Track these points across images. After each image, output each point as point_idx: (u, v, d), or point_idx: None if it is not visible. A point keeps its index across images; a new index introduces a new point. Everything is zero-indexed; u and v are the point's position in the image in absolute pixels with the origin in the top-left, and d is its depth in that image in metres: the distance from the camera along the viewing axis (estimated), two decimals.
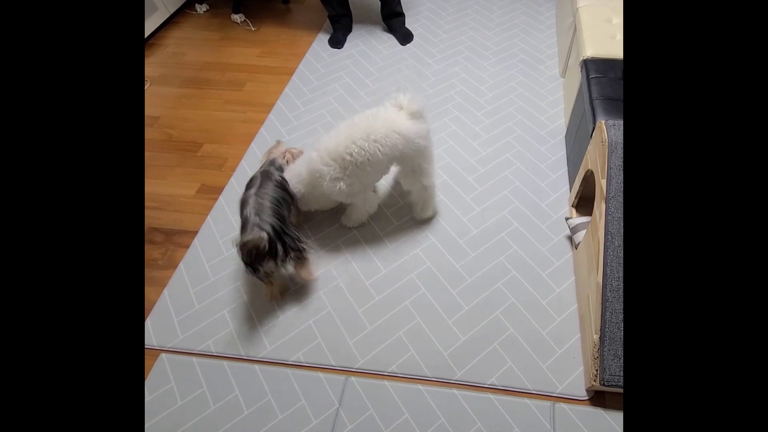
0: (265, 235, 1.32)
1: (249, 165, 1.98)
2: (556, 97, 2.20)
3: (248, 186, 1.49)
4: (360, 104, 2.23)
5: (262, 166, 1.58)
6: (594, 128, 1.44)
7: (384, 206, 1.80)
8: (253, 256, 1.32)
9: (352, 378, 1.37)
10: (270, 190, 1.46)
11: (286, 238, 1.38)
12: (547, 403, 1.29)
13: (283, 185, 1.53)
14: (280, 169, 1.58)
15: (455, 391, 1.33)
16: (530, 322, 1.46)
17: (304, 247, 1.45)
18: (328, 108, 2.22)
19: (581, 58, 1.71)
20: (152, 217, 1.83)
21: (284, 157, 1.62)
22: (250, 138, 2.11)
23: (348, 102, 2.25)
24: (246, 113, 2.24)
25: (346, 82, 2.36)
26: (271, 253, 1.35)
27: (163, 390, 1.36)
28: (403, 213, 1.78)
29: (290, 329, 1.48)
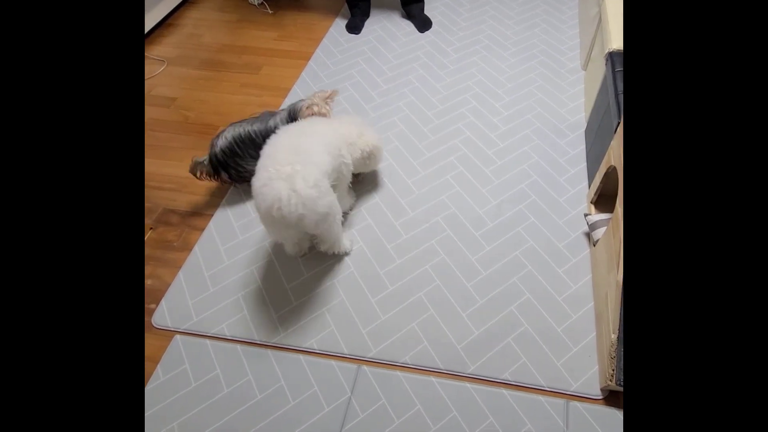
0: (206, 159, 1.69)
1: None
2: (576, 90, 2.16)
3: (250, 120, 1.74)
4: (377, 92, 2.20)
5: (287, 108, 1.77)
6: (619, 123, 1.41)
7: (397, 195, 1.79)
8: (198, 174, 1.72)
9: (365, 367, 1.37)
10: (251, 128, 1.70)
11: (231, 169, 1.70)
12: (560, 401, 1.28)
13: (269, 133, 1.60)
14: (287, 119, 1.70)
15: (468, 384, 1.33)
16: (545, 318, 1.45)
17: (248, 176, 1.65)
18: (344, 95, 2.20)
19: (606, 51, 1.67)
20: (168, 198, 1.83)
21: (308, 110, 1.69)
22: None
23: (365, 89, 2.22)
24: (262, 97, 2.23)
25: (363, 68, 2.33)
26: (217, 173, 1.70)
27: (177, 371, 1.37)
28: (417, 204, 1.76)
29: (304, 316, 1.48)
